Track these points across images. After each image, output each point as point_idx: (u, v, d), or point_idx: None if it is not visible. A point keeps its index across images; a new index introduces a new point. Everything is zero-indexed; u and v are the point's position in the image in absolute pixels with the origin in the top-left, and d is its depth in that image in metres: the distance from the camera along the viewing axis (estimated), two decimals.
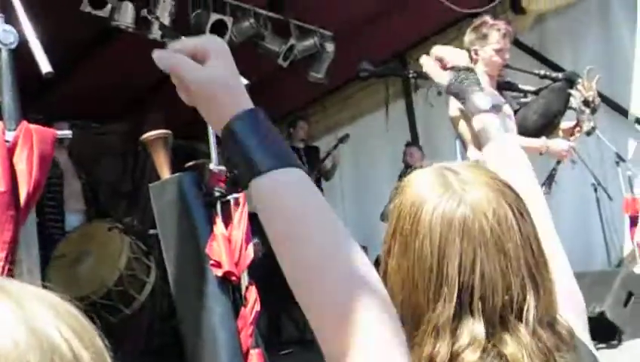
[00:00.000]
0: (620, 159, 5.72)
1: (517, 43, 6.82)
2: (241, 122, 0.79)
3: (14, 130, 1.47)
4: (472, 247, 0.94)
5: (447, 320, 0.92)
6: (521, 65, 5.25)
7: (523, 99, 3.80)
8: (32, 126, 1.48)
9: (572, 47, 6.63)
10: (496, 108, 1.39)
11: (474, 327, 0.91)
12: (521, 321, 0.93)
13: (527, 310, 0.93)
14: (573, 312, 1.07)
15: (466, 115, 3.53)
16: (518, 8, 6.06)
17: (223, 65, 0.81)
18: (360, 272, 0.74)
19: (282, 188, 0.78)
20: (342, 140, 6.89)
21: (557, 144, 3.58)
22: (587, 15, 6.55)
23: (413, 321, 0.95)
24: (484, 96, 1.38)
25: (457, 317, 0.92)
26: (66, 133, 1.63)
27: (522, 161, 1.31)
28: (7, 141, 1.44)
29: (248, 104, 0.81)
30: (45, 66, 1.43)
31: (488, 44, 3.63)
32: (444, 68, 1.42)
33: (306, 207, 0.78)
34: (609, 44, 6.45)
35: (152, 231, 5.16)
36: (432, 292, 0.94)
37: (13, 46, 1.52)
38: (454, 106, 3.58)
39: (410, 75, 4.07)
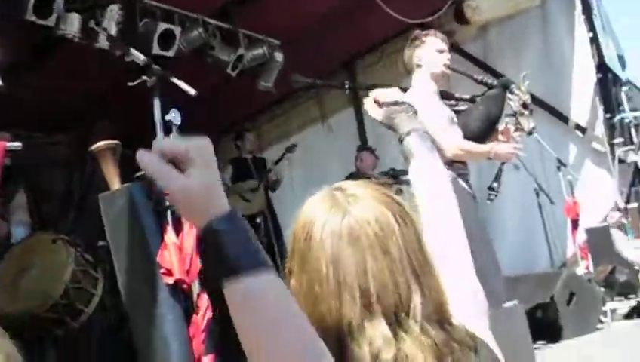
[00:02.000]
0: (561, 164, 5.91)
1: (461, 52, 7.03)
2: (219, 223, 0.84)
3: None
4: (361, 252, 1.01)
5: (356, 324, 0.98)
6: (463, 79, 5.41)
7: (458, 108, 3.94)
8: None
9: (514, 56, 6.83)
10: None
11: (381, 327, 0.98)
12: (411, 319, 1.00)
13: (414, 307, 1.00)
14: (476, 314, 1.16)
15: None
16: (462, 19, 6.21)
17: (201, 174, 0.84)
18: None
19: (255, 292, 0.83)
20: (289, 150, 6.92)
21: (502, 147, 3.70)
22: (528, 25, 6.77)
23: (321, 333, 0.97)
24: (407, 119, 1.50)
25: (364, 320, 0.98)
26: (15, 144, 1.62)
27: (441, 178, 1.40)
28: None
29: (225, 204, 0.86)
30: None
31: (429, 46, 3.79)
32: (380, 105, 1.58)
33: (278, 314, 0.84)
34: (549, 53, 6.67)
35: (101, 243, 5.11)
36: (335, 300, 0.99)
37: None
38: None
39: (346, 87, 4.19)
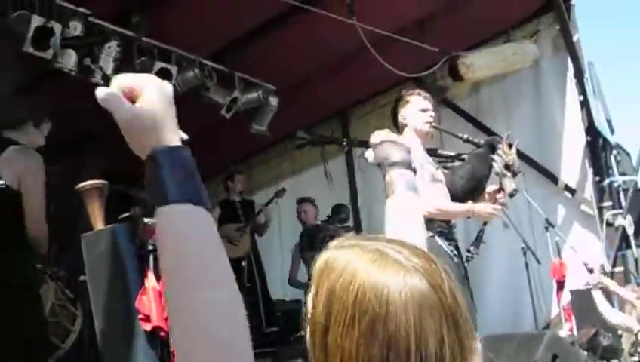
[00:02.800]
0: (549, 224, 5.91)
1: (454, 107, 7.11)
2: (163, 153, 0.87)
3: None
4: (439, 323, 0.95)
5: None
6: (457, 130, 5.46)
7: (449, 164, 3.98)
8: None
9: (505, 114, 6.91)
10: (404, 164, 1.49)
11: None
12: None
13: None
14: None
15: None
16: (456, 75, 6.29)
17: (153, 102, 0.88)
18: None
19: (183, 222, 0.86)
20: (278, 194, 6.92)
21: (481, 207, 3.73)
22: (520, 85, 6.86)
23: None
24: (396, 152, 1.49)
25: None
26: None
27: (416, 219, 1.38)
28: None
29: (174, 139, 0.89)
30: None
31: (413, 105, 3.89)
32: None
33: (199, 245, 0.87)
34: (540, 114, 6.75)
35: (82, 278, 5.02)
36: None
37: None
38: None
39: (344, 144, 4.22)
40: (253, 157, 8.32)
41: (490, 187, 3.90)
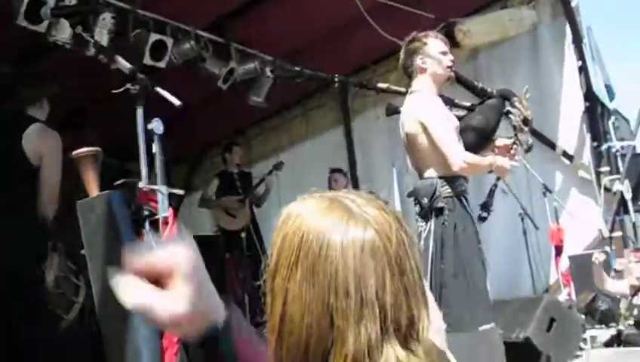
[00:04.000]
0: (547, 190, 5.94)
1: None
2: (218, 332, 0.84)
3: None
4: (382, 268, 0.97)
5: (375, 343, 0.94)
6: (455, 96, 5.43)
7: (455, 113, 3.73)
8: None
9: (504, 81, 6.84)
10: None
11: (396, 349, 0.94)
12: (418, 341, 0.98)
13: (423, 329, 0.98)
14: (437, 331, 1.15)
15: (427, 132, 3.47)
16: (453, 42, 6.25)
17: (188, 291, 0.79)
18: None
19: None
20: (276, 167, 6.93)
21: (503, 161, 3.48)
22: (518, 51, 6.82)
23: (318, 345, 0.96)
24: None
25: (381, 339, 0.95)
26: None
27: None
28: None
29: (221, 310, 0.86)
30: None
31: (431, 48, 3.54)
32: None
33: None
34: (538, 80, 6.72)
35: (83, 251, 5.06)
36: (354, 316, 0.95)
37: None
38: (414, 119, 3.47)
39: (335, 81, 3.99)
40: (251, 128, 8.32)
41: (501, 140, 3.69)
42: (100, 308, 2.59)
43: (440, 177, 3.42)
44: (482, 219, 3.94)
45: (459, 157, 3.34)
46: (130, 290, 0.78)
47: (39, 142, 3.31)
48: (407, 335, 0.97)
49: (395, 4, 5.76)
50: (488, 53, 6.96)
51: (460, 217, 3.36)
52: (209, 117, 6.82)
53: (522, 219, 5.99)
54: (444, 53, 3.56)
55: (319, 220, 1.01)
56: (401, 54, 3.66)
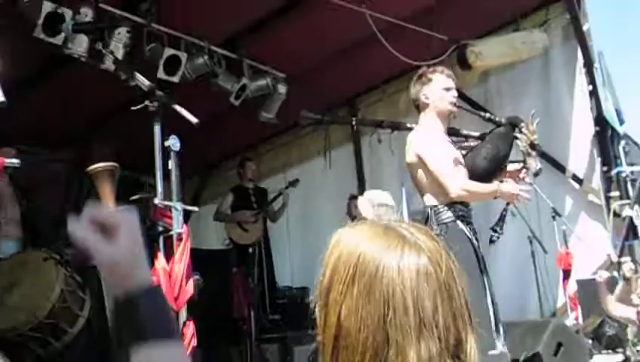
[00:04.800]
0: (556, 214, 5.92)
1: (462, 96, 7.09)
2: (139, 295, 0.92)
3: None
4: (434, 293, 1.03)
5: (436, 358, 1.00)
6: (466, 118, 5.45)
7: (465, 144, 3.88)
8: None
9: (514, 103, 6.88)
10: None
11: None
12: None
13: (470, 352, 1.04)
14: None
15: (424, 164, 3.58)
16: (464, 63, 6.28)
17: (127, 245, 0.93)
18: None
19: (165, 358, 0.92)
20: (292, 184, 7.02)
21: (508, 188, 3.60)
22: (529, 74, 6.84)
23: (373, 358, 1.01)
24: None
25: (440, 356, 1.00)
26: (14, 161, 1.63)
27: None
28: None
29: (148, 278, 0.95)
30: None
31: (435, 84, 3.69)
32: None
33: None
34: (549, 103, 6.73)
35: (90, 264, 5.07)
36: (413, 331, 1.00)
37: None
38: (412, 153, 3.65)
39: (353, 124, 4.17)
40: (262, 144, 8.35)
41: (512, 165, 3.79)
42: (112, 322, 2.59)
43: (437, 205, 3.57)
44: (492, 242, 3.98)
45: (456, 185, 3.49)
46: (81, 230, 0.91)
47: None
48: (455, 357, 1.02)
49: (408, 25, 5.80)
50: (499, 75, 6.99)
51: (456, 240, 3.42)
52: (220, 132, 6.86)
53: (531, 242, 5.97)
54: (447, 89, 3.70)
55: (375, 243, 1.07)
56: (411, 88, 3.82)
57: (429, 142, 3.64)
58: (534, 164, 3.72)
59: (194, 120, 2.75)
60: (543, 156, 6.65)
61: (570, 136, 6.67)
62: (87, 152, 6.49)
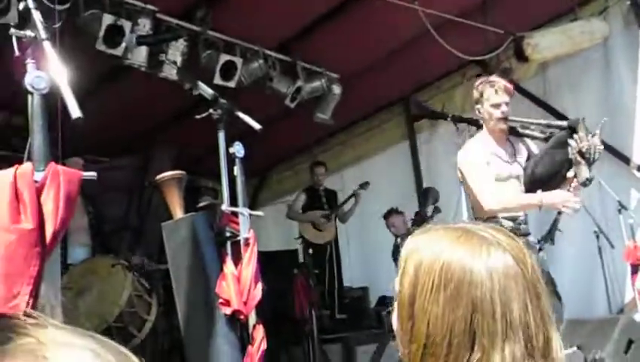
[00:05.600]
0: (622, 207, 5.75)
1: (520, 90, 6.97)
2: None
3: (43, 170, 1.54)
4: (523, 292, 1.03)
5: (519, 360, 1.00)
6: (524, 111, 5.35)
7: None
8: (60, 167, 1.55)
9: (574, 95, 6.73)
10: None
11: None
12: (554, 359, 1.03)
13: (558, 349, 1.04)
14: None
15: (465, 181, 3.67)
16: (521, 56, 6.17)
17: None
18: None
19: None
20: (363, 186, 7.13)
21: (552, 197, 3.60)
22: (589, 64, 6.67)
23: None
24: None
25: (524, 358, 1.00)
26: (91, 174, 1.69)
27: None
28: (35, 181, 1.51)
29: None
30: (75, 111, 1.49)
31: (485, 101, 3.75)
32: None
33: None
34: (610, 93, 6.55)
35: (155, 267, 5.20)
36: (501, 335, 1.00)
37: (44, 91, 1.59)
38: (458, 171, 3.80)
39: (448, 119, 4.17)
40: (317, 145, 8.37)
41: (571, 171, 3.76)
42: (184, 327, 2.65)
43: (480, 218, 3.64)
44: (540, 250, 3.94)
45: (489, 200, 3.60)
46: None
47: None
48: (546, 354, 1.02)
49: (462, 20, 5.73)
50: (558, 66, 6.83)
51: None
52: (275, 135, 6.92)
53: (597, 237, 5.82)
54: (496, 106, 3.73)
55: (458, 249, 1.06)
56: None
57: (468, 161, 3.77)
58: (583, 172, 3.63)
59: (257, 126, 2.78)
60: (606, 148, 6.47)
61: (633, 126, 6.47)
62: (148, 159, 6.67)
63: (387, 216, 6.96)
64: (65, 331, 0.58)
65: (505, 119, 3.74)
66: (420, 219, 6.44)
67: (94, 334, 0.59)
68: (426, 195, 6.98)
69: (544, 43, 6.12)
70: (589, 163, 3.60)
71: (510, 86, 3.86)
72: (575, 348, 3.20)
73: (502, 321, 1.01)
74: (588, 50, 6.50)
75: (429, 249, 1.08)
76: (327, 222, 7.07)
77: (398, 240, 6.51)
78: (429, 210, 6.65)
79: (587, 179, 3.63)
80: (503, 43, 6.18)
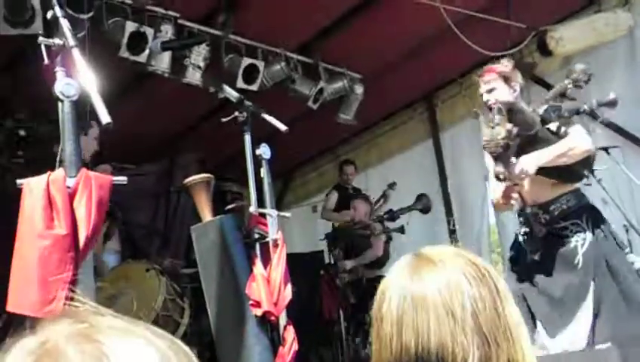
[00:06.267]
0: None
1: (544, 84, 6.90)
2: None
3: (74, 176, 1.56)
4: (426, 313, 1.04)
5: None
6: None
7: None
8: (91, 173, 1.57)
9: (600, 88, 6.63)
10: None
11: None
12: None
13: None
14: None
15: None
16: (545, 50, 6.11)
17: None
18: None
19: None
20: (391, 186, 7.12)
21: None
22: (614, 56, 6.57)
23: None
24: None
25: None
26: (121, 179, 1.71)
27: None
28: (68, 187, 1.53)
29: None
30: (105, 117, 1.52)
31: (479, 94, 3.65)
32: None
33: None
34: (637, 84, 6.45)
35: (185, 271, 5.24)
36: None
37: (74, 98, 1.62)
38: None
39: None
40: (341, 146, 8.38)
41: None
42: (215, 328, 2.66)
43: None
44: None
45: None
46: None
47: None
48: None
49: (484, 16, 5.69)
50: (582, 59, 6.69)
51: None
52: (299, 136, 6.93)
53: (627, 230, 5.73)
54: (482, 96, 3.61)
55: (386, 280, 1.19)
56: None
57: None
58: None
59: (283, 127, 2.79)
60: (634, 140, 6.39)
61: None
62: (173, 165, 6.72)
63: (355, 197, 7.01)
64: (121, 320, 0.60)
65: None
66: (390, 218, 6.40)
67: (149, 325, 0.61)
68: (418, 199, 6.88)
69: (568, 36, 6.05)
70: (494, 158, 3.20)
71: (487, 68, 3.66)
72: (609, 344, 3.15)
73: (397, 347, 1.05)
74: (613, 42, 6.41)
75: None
76: None
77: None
78: (404, 211, 6.53)
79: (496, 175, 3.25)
80: (526, 38, 6.12)
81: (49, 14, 1.76)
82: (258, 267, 2.66)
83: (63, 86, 1.62)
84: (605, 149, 5.79)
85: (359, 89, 6.27)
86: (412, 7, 5.20)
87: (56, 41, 1.68)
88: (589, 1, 6.47)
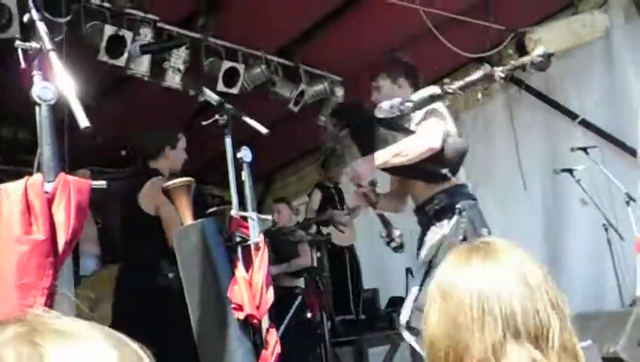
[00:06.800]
0: (630, 199, 5.73)
1: (523, 85, 6.96)
2: None
3: (53, 181, 1.54)
4: (505, 281, 1.13)
5: (499, 346, 1.07)
6: (528, 108, 5.30)
7: None
8: (70, 177, 1.56)
9: (578, 89, 6.72)
10: None
11: (524, 351, 1.07)
12: (549, 345, 1.08)
13: (553, 333, 1.09)
14: None
15: None
16: (523, 52, 6.16)
17: None
18: None
19: None
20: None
21: None
22: (592, 57, 6.65)
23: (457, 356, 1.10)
24: None
25: (506, 343, 1.07)
26: (101, 183, 1.70)
27: None
28: (46, 192, 1.52)
29: None
30: (83, 121, 1.50)
31: None
32: None
33: None
34: (614, 85, 6.53)
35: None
36: (477, 325, 1.09)
37: (52, 102, 1.60)
38: None
39: None
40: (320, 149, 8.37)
41: None
42: (197, 332, 2.65)
43: None
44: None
45: None
46: None
47: (151, 199, 3.86)
48: (538, 339, 1.09)
49: (463, 18, 5.73)
50: (560, 61, 6.79)
51: None
52: (280, 138, 6.92)
53: (606, 229, 5.80)
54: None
55: (449, 260, 1.30)
56: None
57: None
58: None
59: (264, 130, 2.79)
60: (612, 140, 6.47)
61: (639, 117, 6.44)
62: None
63: (277, 201, 6.95)
64: (70, 322, 0.60)
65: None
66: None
67: (106, 328, 0.61)
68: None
69: (546, 38, 6.11)
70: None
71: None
72: (590, 341, 3.18)
73: (478, 311, 1.12)
74: (590, 43, 6.49)
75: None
76: (348, 223, 6.73)
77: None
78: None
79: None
80: (505, 39, 6.17)
81: (26, 18, 1.74)
82: (240, 270, 2.65)
83: (40, 90, 1.60)
84: (584, 149, 5.86)
85: (340, 91, 6.28)
86: (392, 10, 5.22)
87: (34, 44, 1.67)
88: (567, 3, 6.54)
